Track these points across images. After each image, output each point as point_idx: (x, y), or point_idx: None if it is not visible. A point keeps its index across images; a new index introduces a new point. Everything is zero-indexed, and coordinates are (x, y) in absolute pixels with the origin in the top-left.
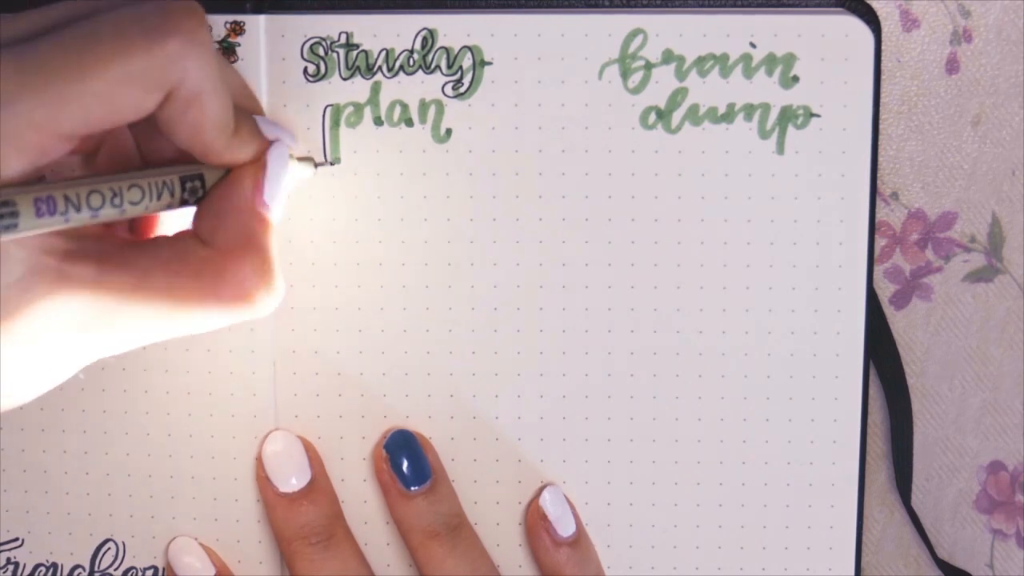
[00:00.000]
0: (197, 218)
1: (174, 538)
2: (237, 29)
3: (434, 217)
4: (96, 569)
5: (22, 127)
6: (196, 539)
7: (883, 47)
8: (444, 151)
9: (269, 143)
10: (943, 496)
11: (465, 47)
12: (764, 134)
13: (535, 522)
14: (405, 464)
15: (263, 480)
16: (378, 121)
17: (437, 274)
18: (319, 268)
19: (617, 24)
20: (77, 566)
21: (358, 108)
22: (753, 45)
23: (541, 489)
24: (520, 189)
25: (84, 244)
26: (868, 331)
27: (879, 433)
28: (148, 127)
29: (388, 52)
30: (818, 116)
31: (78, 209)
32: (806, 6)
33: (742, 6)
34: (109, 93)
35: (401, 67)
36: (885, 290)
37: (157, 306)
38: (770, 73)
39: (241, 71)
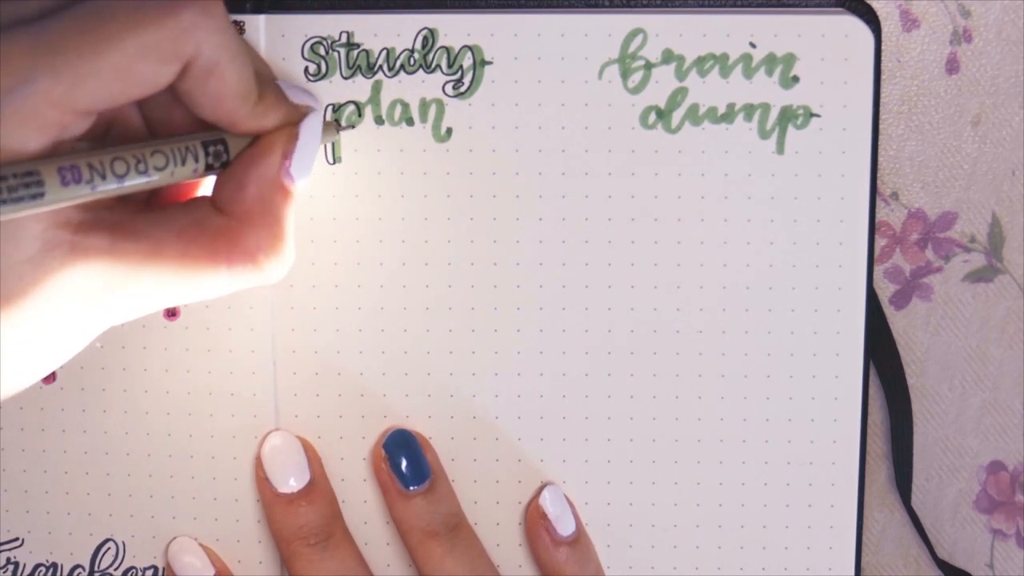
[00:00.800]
0: (218, 185)
1: (174, 538)
2: (237, 29)
3: (434, 216)
4: (96, 569)
5: (41, 105)
6: (196, 539)
7: (883, 47)
8: (444, 150)
9: (299, 110)
10: (943, 496)
11: (465, 47)
12: (764, 134)
13: (535, 521)
14: (404, 463)
15: (262, 480)
16: (379, 120)
17: (437, 274)
18: (319, 268)
19: (617, 24)
20: (77, 566)
21: (359, 107)
22: (753, 45)
23: (541, 488)
24: (520, 189)
25: (98, 215)
26: (868, 331)
27: (879, 433)
28: (157, 106)
29: (389, 51)
30: (818, 116)
31: (103, 177)
32: (806, 6)
33: (742, 6)
34: (126, 67)
35: (402, 66)
36: (885, 290)
37: (170, 273)
38: (770, 73)
39: None
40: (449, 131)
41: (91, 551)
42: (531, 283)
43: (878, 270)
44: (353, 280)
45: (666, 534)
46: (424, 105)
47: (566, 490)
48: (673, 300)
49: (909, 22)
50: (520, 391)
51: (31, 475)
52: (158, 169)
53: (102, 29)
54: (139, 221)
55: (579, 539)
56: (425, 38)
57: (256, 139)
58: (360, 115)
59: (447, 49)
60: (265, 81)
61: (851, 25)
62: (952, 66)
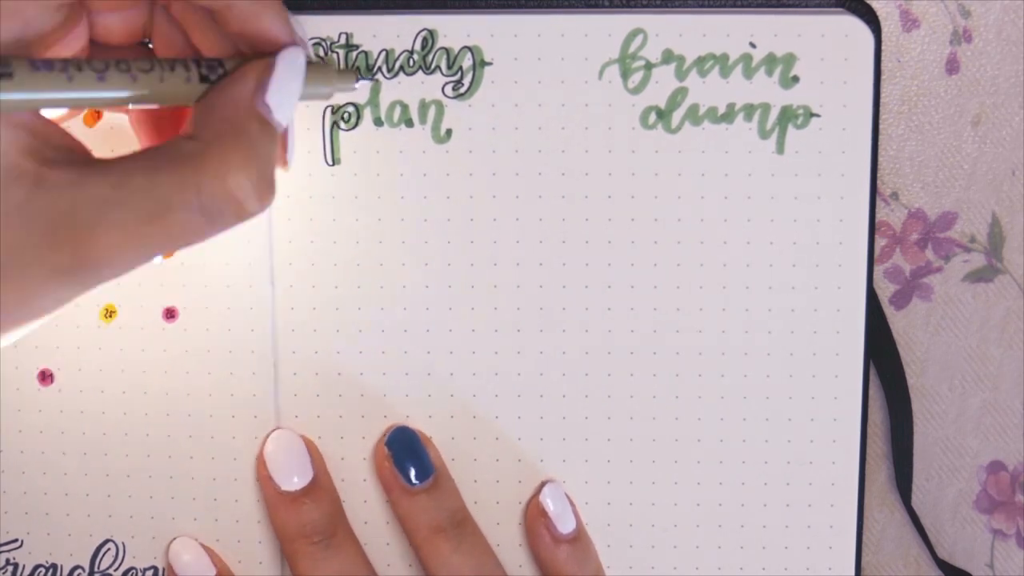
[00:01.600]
0: (192, 118)
1: (174, 538)
2: None
3: (434, 217)
4: (96, 569)
5: None
6: (196, 539)
7: (883, 47)
8: (444, 151)
9: (290, 37)
10: (943, 496)
11: (465, 47)
12: (764, 134)
13: (535, 519)
14: (407, 461)
15: (265, 479)
16: (378, 122)
17: (437, 274)
18: (319, 268)
19: (617, 24)
20: (77, 567)
21: (358, 109)
22: (753, 45)
23: (541, 486)
24: (520, 189)
25: (67, 154)
26: (868, 331)
27: (879, 433)
28: (203, 28)
29: (388, 53)
30: (818, 116)
31: (79, 68)
32: (806, 6)
33: (742, 6)
34: None
35: (401, 67)
36: (885, 290)
37: (136, 210)
38: (770, 73)
39: None
40: (449, 132)
41: (91, 552)
42: (531, 283)
43: (878, 270)
44: (353, 280)
45: (666, 534)
46: (424, 106)
47: (566, 490)
48: (673, 300)
49: (909, 22)
50: (520, 391)
51: (30, 476)
52: (143, 71)
53: None
54: (108, 160)
55: (579, 537)
56: (424, 39)
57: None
58: (359, 117)
59: (447, 50)
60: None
61: (851, 25)
62: (952, 66)
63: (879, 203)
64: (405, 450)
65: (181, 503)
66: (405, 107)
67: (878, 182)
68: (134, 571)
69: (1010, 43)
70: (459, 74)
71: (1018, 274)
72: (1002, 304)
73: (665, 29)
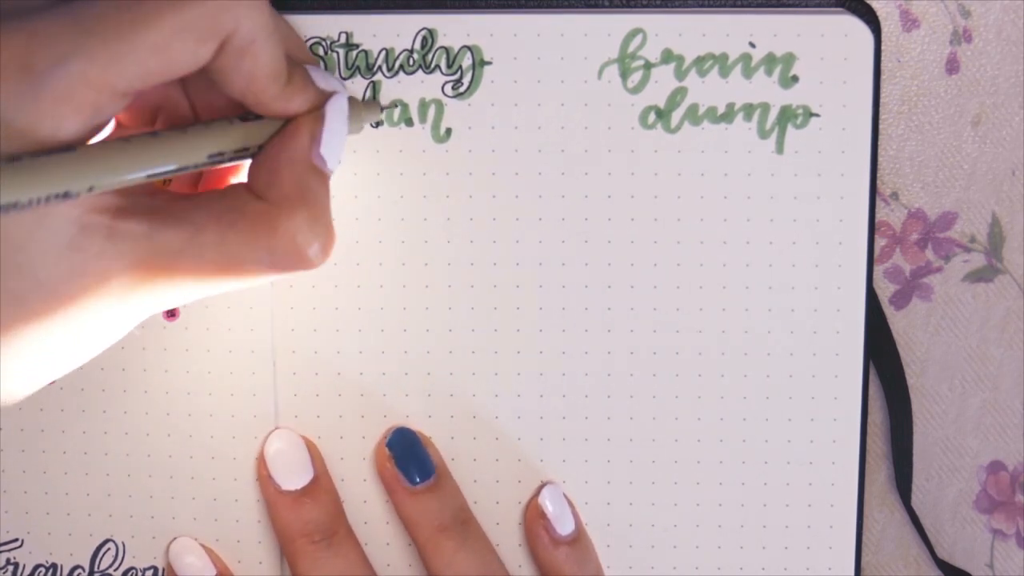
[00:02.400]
0: (252, 172)
1: (174, 538)
2: None
3: (434, 217)
4: (96, 569)
5: (77, 85)
6: (196, 539)
7: (883, 47)
8: (444, 151)
9: (324, 94)
10: (943, 496)
11: (465, 47)
12: (763, 134)
13: (534, 520)
14: (409, 461)
15: (265, 479)
16: (377, 121)
17: (437, 274)
18: (319, 268)
19: (616, 24)
20: (77, 566)
21: None
22: (752, 45)
23: (540, 488)
24: (520, 189)
25: (135, 200)
26: (868, 331)
27: (879, 433)
28: (203, 87)
29: (388, 52)
30: (818, 116)
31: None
32: (806, 6)
33: (742, 6)
34: (164, 45)
35: (401, 67)
36: (885, 290)
37: (209, 260)
38: (769, 73)
39: None
40: (448, 131)
41: (91, 552)
42: (531, 283)
43: (878, 270)
44: (353, 280)
45: (666, 534)
46: (423, 105)
47: (566, 490)
48: (673, 300)
49: (909, 22)
50: (520, 391)
51: (30, 476)
52: (200, 133)
53: (140, 7)
54: (177, 207)
55: (579, 538)
56: (424, 38)
57: (285, 124)
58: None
59: (446, 49)
60: (294, 63)
61: (851, 25)
62: (952, 66)
63: (879, 203)
64: (406, 451)
65: (181, 503)
66: (405, 106)
67: (878, 182)
68: (134, 571)
69: (1010, 43)
70: (459, 73)
71: (1018, 274)
72: (1002, 304)
73: (664, 29)
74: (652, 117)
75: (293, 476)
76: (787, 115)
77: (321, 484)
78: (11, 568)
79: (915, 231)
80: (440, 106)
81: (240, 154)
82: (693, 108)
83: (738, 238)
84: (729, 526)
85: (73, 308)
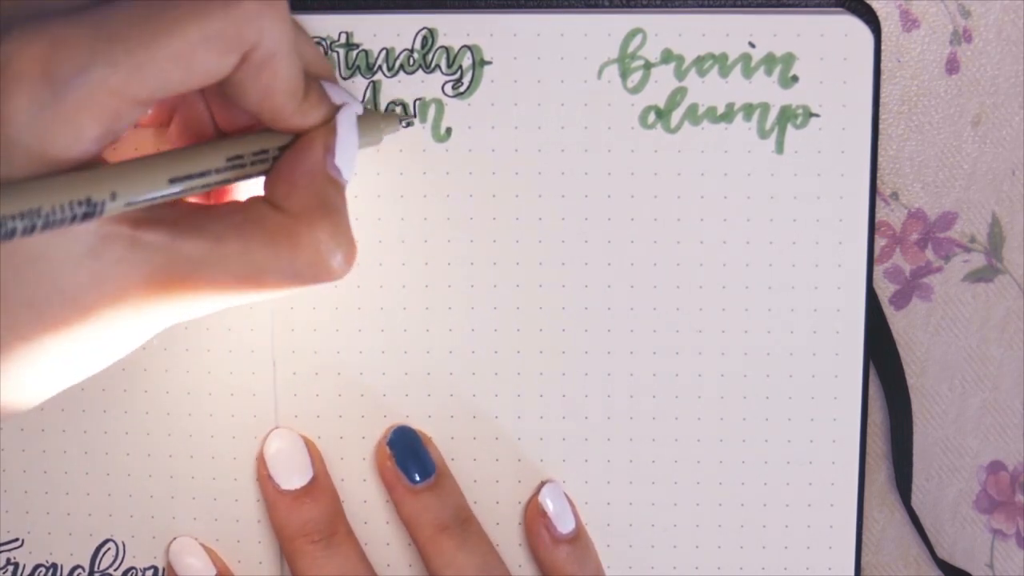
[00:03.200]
0: (268, 184)
1: (174, 538)
2: None
3: (434, 216)
4: (96, 569)
5: (97, 93)
6: (196, 539)
7: (883, 47)
8: (444, 150)
9: (337, 107)
10: (943, 496)
11: (465, 47)
12: (763, 134)
13: (534, 519)
14: (410, 460)
15: (265, 478)
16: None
17: (437, 274)
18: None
19: (616, 24)
20: (77, 566)
21: None
22: (752, 45)
23: (541, 486)
24: (520, 188)
25: (156, 210)
26: (868, 331)
27: (879, 433)
28: (221, 95)
29: (388, 51)
30: (817, 116)
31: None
32: (806, 6)
33: (741, 6)
34: (186, 56)
35: (401, 66)
36: (885, 290)
37: (230, 271)
38: (769, 73)
39: None
40: (448, 131)
41: (91, 551)
42: (531, 283)
43: (878, 270)
44: (353, 280)
45: (666, 534)
46: (423, 105)
47: (566, 490)
48: (673, 300)
49: (909, 22)
50: (520, 391)
51: (31, 475)
52: (204, 174)
53: (164, 16)
54: (197, 218)
55: (579, 537)
56: (424, 38)
57: (296, 137)
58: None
59: (446, 49)
60: (310, 78)
61: (851, 25)
62: (952, 66)
63: (879, 203)
64: (407, 450)
65: (181, 503)
66: (405, 106)
67: (878, 182)
68: (134, 571)
69: (1010, 43)
70: (459, 73)
71: (1018, 274)
72: (1002, 304)
73: (664, 29)
74: (652, 117)
75: (293, 476)
76: (787, 115)
77: (321, 484)
78: (11, 568)
79: (915, 231)
80: (440, 106)
81: (259, 156)
82: (693, 108)
83: (738, 238)
84: (729, 526)
85: (92, 317)
